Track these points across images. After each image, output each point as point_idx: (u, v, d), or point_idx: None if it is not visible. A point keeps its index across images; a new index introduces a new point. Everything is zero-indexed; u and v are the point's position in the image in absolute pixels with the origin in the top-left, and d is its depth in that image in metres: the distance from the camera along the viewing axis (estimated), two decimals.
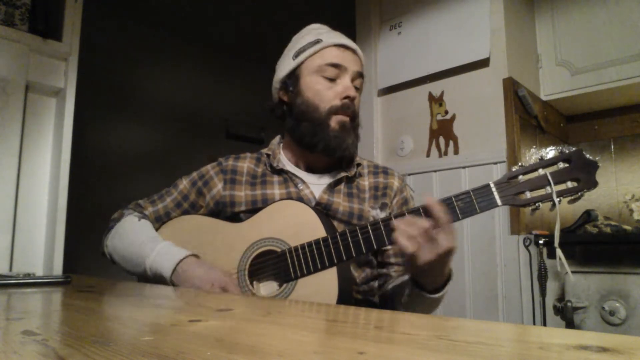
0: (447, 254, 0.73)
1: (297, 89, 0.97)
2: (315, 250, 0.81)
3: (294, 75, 0.99)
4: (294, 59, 0.99)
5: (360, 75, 0.98)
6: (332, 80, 0.95)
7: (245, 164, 1.02)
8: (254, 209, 0.94)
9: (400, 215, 0.78)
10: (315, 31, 1.02)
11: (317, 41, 0.97)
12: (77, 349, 0.33)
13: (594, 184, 0.74)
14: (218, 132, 3.49)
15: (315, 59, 0.96)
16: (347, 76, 0.95)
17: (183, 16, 3.06)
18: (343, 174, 0.97)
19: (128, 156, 2.98)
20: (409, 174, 1.90)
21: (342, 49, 0.96)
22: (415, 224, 0.72)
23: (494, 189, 0.75)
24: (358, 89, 0.98)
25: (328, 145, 0.93)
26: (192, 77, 3.38)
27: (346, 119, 0.94)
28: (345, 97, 0.94)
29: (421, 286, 0.81)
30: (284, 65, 1.01)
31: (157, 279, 0.88)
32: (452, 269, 0.84)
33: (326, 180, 0.97)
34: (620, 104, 1.94)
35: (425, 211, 0.75)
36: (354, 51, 0.98)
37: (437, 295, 0.81)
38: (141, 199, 1.05)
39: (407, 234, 0.72)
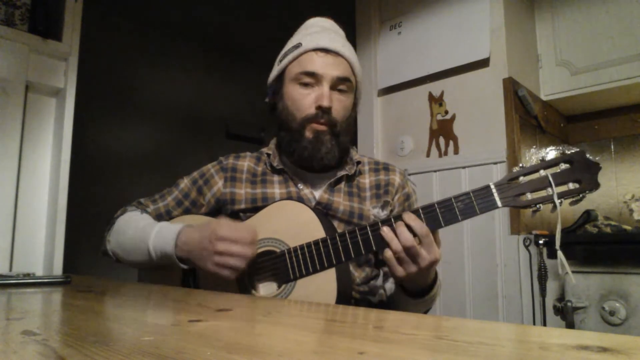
0: (429, 267, 0.75)
1: (280, 95, 0.97)
2: (314, 251, 0.81)
3: (279, 81, 0.98)
4: (278, 64, 0.98)
5: (344, 79, 0.92)
6: (309, 87, 0.92)
7: (246, 162, 1.03)
8: (254, 208, 0.95)
9: (397, 217, 0.77)
10: (304, 30, 0.99)
11: (298, 45, 0.93)
12: (77, 349, 0.33)
13: (596, 186, 0.73)
14: (218, 132, 3.48)
15: (295, 66, 0.93)
16: (324, 84, 0.90)
17: (183, 16, 3.06)
18: (343, 173, 0.97)
19: (128, 156, 2.97)
20: (409, 174, 1.90)
21: (321, 53, 0.91)
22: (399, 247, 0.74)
23: (494, 190, 0.75)
24: (344, 92, 0.93)
25: (302, 155, 0.93)
26: (193, 77, 3.38)
27: (321, 127, 0.91)
28: (319, 107, 0.90)
29: (405, 291, 0.84)
30: (274, 68, 1.00)
31: (162, 257, 0.87)
32: (438, 271, 0.87)
33: (326, 179, 0.97)
34: (620, 104, 1.94)
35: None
36: (336, 54, 0.92)
37: (421, 299, 0.84)
38: (142, 198, 1.05)
39: (398, 256, 0.74)
